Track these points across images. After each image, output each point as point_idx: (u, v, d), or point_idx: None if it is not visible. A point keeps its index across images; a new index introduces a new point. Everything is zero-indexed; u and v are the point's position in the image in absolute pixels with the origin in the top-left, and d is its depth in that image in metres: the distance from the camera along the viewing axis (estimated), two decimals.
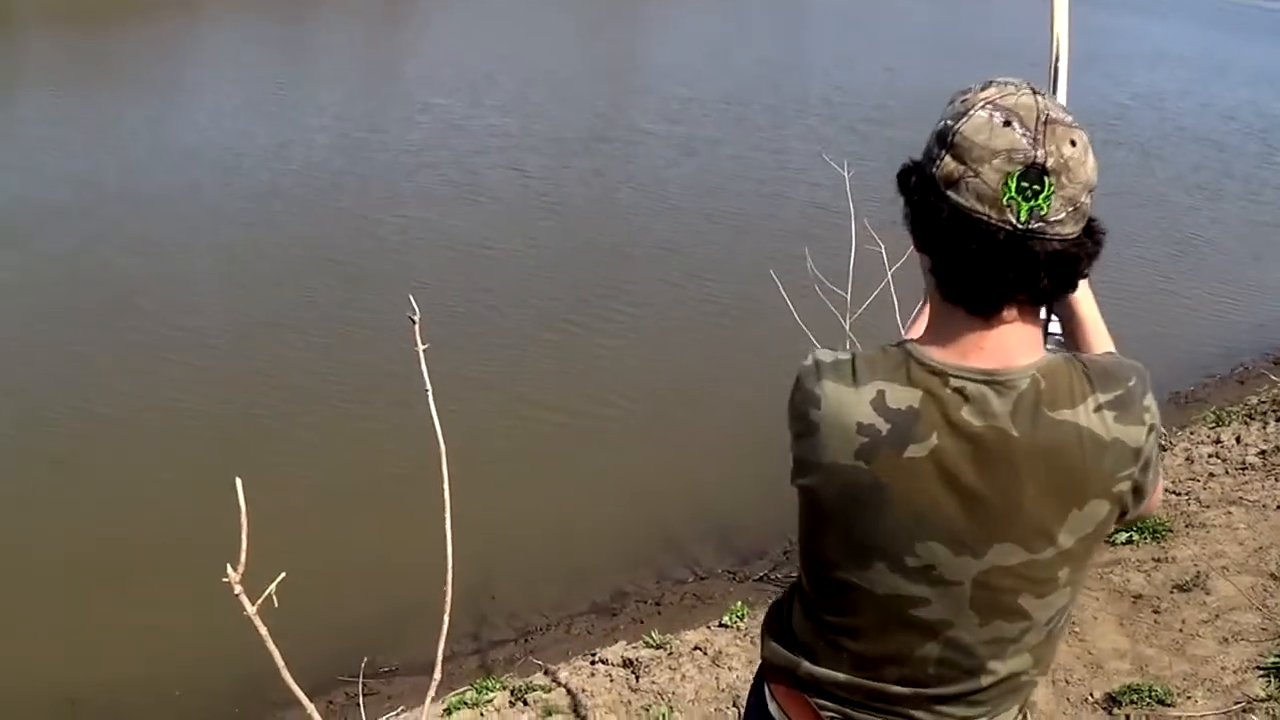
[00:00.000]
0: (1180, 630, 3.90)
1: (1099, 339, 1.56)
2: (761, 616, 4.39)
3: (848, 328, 4.60)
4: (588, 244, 9.02)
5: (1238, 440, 5.81)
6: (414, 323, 2.57)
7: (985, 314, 1.28)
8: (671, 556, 5.39)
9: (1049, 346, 1.47)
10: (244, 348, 6.98)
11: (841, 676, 1.40)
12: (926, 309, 1.40)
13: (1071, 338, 1.60)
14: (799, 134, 12.74)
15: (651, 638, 4.21)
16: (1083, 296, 1.58)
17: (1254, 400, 6.63)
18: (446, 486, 2.56)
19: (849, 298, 4.76)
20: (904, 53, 18.48)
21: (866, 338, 3.99)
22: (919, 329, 1.40)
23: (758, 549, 5.45)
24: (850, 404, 1.31)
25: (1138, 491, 1.33)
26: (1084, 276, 1.31)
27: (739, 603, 4.55)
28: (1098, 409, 1.27)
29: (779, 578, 5.08)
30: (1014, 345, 1.29)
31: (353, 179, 10.45)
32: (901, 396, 1.29)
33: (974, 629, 1.32)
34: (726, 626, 4.29)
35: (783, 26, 21.34)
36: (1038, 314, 1.33)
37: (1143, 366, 1.34)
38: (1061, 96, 1.65)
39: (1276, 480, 5.20)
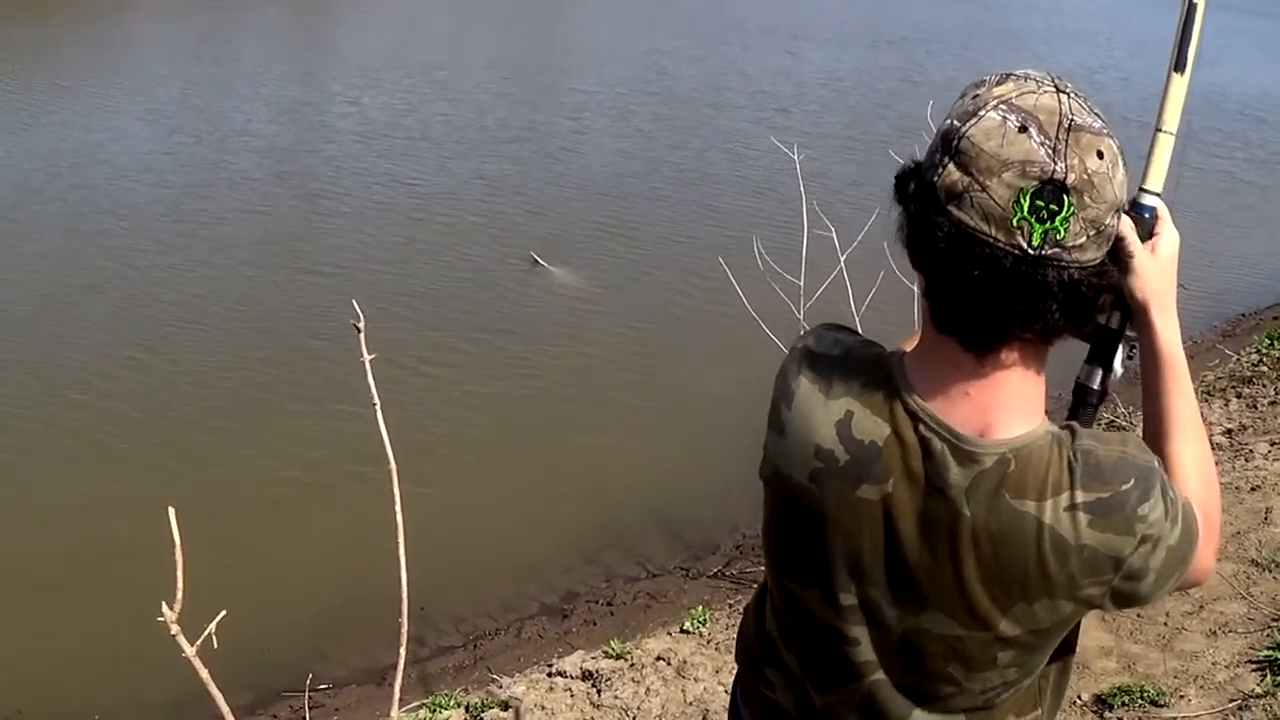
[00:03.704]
0: (1165, 624, 3.79)
1: (1178, 429, 1.27)
2: (721, 618, 4.46)
3: (801, 316, 4.61)
4: (523, 237, 8.98)
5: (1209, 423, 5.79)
6: (359, 330, 2.51)
7: (980, 350, 1.15)
8: (621, 553, 5.36)
9: (1117, 372, 1.33)
10: (173, 349, 6.87)
11: (782, 679, 1.39)
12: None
13: (1146, 420, 1.32)
14: (746, 117, 12.81)
15: (611, 647, 4.14)
16: (1174, 366, 1.28)
17: (1209, 376, 6.40)
18: (399, 505, 2.50)
19: (802, 285, 4.77)
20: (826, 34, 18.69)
21: (818, 321, 4.00)
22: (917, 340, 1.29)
23: (709, 543, 5.44)
24: (816, 419, 1.26)
25: (1123, 597, 1.19)
26: (1101, 310, 1.18)
27: (699, 606, 4.51)
28: (1070, 508, 1.12)
29: (733, 573, 5.08)
30: (1003, 404, 1.17)
31: (289, 169, 10.32)
32: (868, 427, 1.21)
33: (901, 676, 1.26)
34: (689, 633, 4.24)
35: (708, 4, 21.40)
36: (1043, 358, 1.19)
37: (1155, 466, 1.17)
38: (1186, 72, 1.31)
39: (1246, 460, 5.04)
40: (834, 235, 4.83)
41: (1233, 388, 6.20)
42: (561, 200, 9.96)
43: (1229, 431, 5.58)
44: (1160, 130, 1.33)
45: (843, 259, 4.81)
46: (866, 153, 11.08)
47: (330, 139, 11.34)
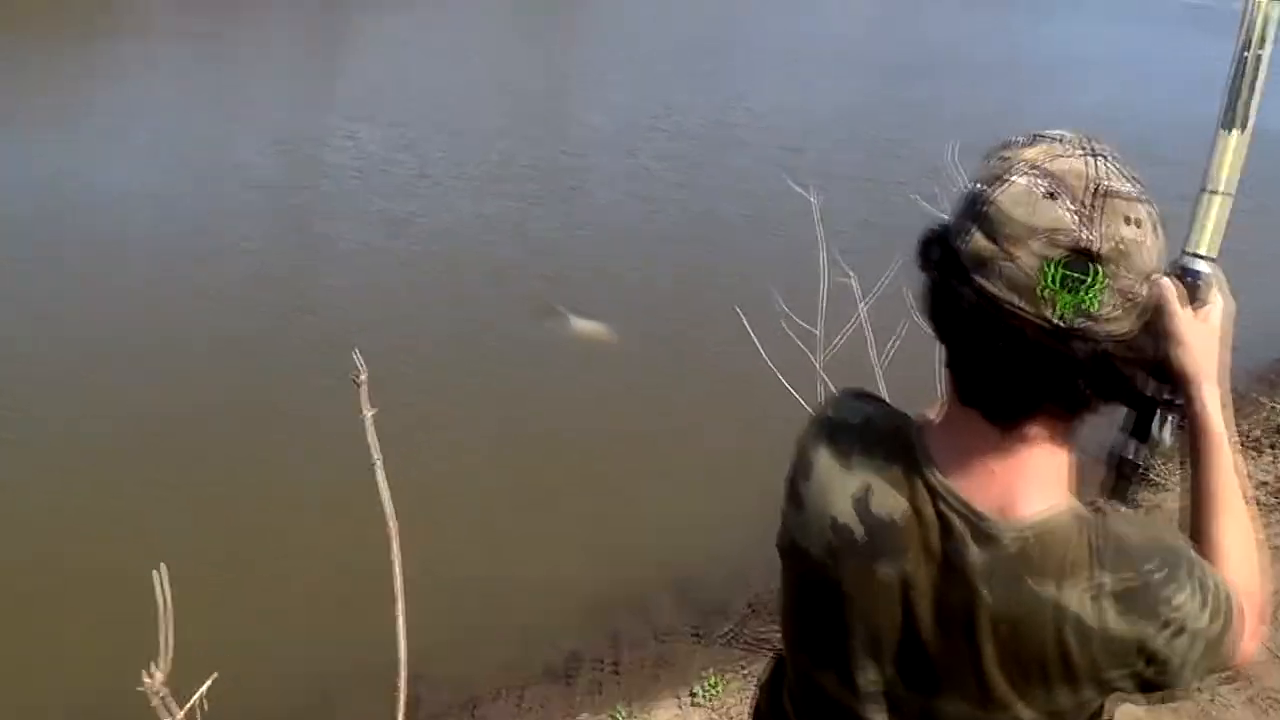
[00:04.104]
0: (1202, 692, 3.72)
1: (1218, 506, 1.25)
2: (733, 687, 4.43)
3: (820, 367, 4.63)
4: (525, 277, 9.02)
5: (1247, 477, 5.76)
6: (359, 385, 2.51)
7: (1004, 424, 1.16)
8: (627, 614, 5.35)
9: (1165, 442, 1.32)
10: (157, 396, 6.90)
11: None
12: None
13: (1193, 500, 1.29)
14: (757, 155, 12.91)
15: (618, 713, 4.13)
16: (1216, 441, 1.27)
17: (1245, 427, 6.33)
18: (398, 568, 2.51)
19: (820, 334, 4.80)
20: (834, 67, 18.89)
21: (842, 379, 4.02)
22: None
23: (721, 604, 5.43)
24: (834, 492, 1.27)
25: (1151, 685, 1.19)
26: (1139, 380, 1.16)
27: (710, 673, 4.52)
28: (1094, 594, 1.12)
29: (746, 636, 5.07)
30: (1027, 481, 1.17)
31: (285, 203, 10.42)
32: (887, 503, 1.22)
33: None
34: (699, 704, 4.25)
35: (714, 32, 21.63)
36: (1071, 432, 1.19)
37: (1184, 548, 1.17)
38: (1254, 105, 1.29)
39: None
40: (854, 282, 4.87)
41: (1267, 438, 6.19)
42: (566, 242, 10.01)
43: (1266, 485, 5.57)
44: (1209, 191, 1.33)
45: (863, 307, 4.84)
46: (884, 193, 11.12)
47: (326, 173, 11.46)
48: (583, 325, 8.09)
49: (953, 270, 1.14)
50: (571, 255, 9.65)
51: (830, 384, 4.41)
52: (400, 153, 12.15)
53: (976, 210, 1.14)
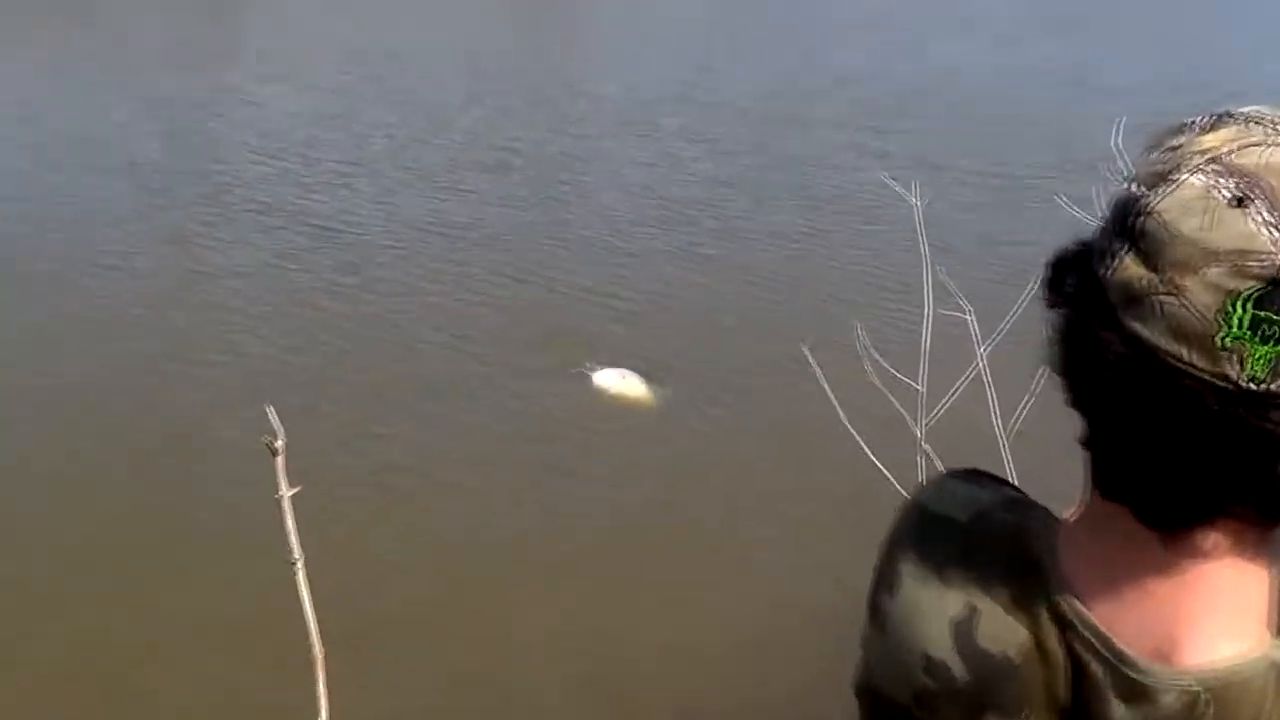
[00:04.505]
0: None
1: None
2: None
3: (921, 436, 4.64)
4: (499, 314, 9.05)
5: None
6: (274, 453, 2.52)
7: (1167, 531, 1.11)
8: None
9: None
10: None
11: None
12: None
13: None
14: (828, 138, 13.02)
15: None
16: None
17: None
18: (324, 703, 2.53)
19: (923, 390, 4.82)
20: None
21: (951, 452, 4.02)
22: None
23: None
24: (927, 616, 1.25)
25: None
26: None
27: None
28: None
29: None
30: (1200, 613, 1.12)
31: (162, 202, 10.60)
32: (1001, 635, 1.19)
33: None
34: None
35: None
36: (1265, 540, 1.13)
37: None
38: None
39: None
40: (970, 319, 4.89)
41: None
42: (557, 257, 10.07)
43: None
44: None
45: (983, 352, 4.86)
46: (1014, 193, 11.20)
47: (220, 157, 11.61)
48: (612, 382, 8.19)
49: (1094, 308, 1.08)
50: (568, 278, 9.68)
51: (935, 458, 4.42)
52: (325, 128, 12.28)
53: (1129, 224, 1.06)
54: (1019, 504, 1.27)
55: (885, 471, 4.62)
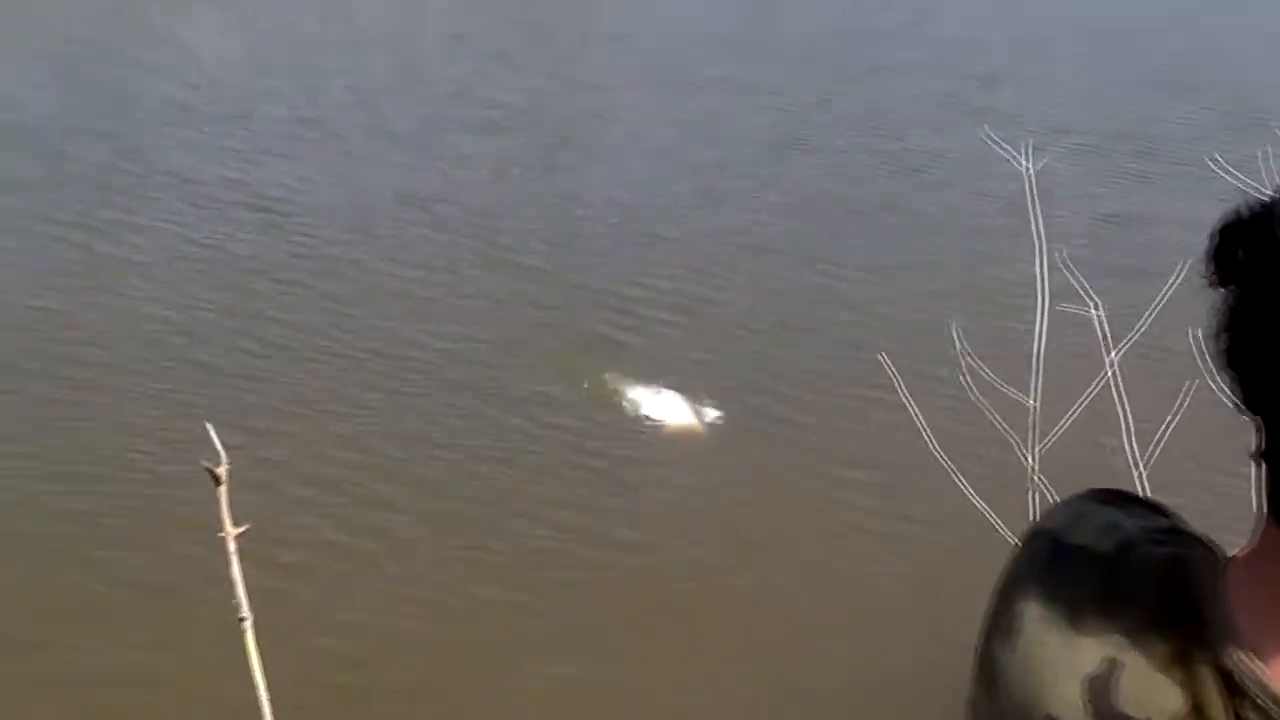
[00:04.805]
0: None
1: None
2: None
3: (1034, 465, 4.65)
4: (517, 321, 9.05)
5: None
6: (218, 481, 2.59)
7: None
8: None
9: None
10: None
11: None
12: None
13: None
14: (917, 87, 13.06)
15: None
16: None
17: None
18: None
19: (1034, 404, 4.81)
20: None
21: (1067, 482, 4.03)
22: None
23: None
24: (1053, 671, 1.25)
25: None
26: None
27: None
28: None
29: None
30: None
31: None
32: (1149, 697, 1.19)
33: None
34: None
35: None
36: None
37: None
38: None
39: None
40: (1098, 316, 4.92)
41: None
42: (568, 242, 10.16)
43: None
44: None
45: (1113, 358, 4.88)
46: (1151, 158, 11.26)
47: (132, 114, 11.66)
48: (647, 405, 8.20)
49: (1277, 281, 1.09)
50: (585, 270, 9.77)
51: (1049, 491, 4.46)
52: (269, 74, 12.38)
53: None
54: (1175, 534, 1.26)
55: (988, 512, 4.66)
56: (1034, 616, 1.25)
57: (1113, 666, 1.19)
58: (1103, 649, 1.20)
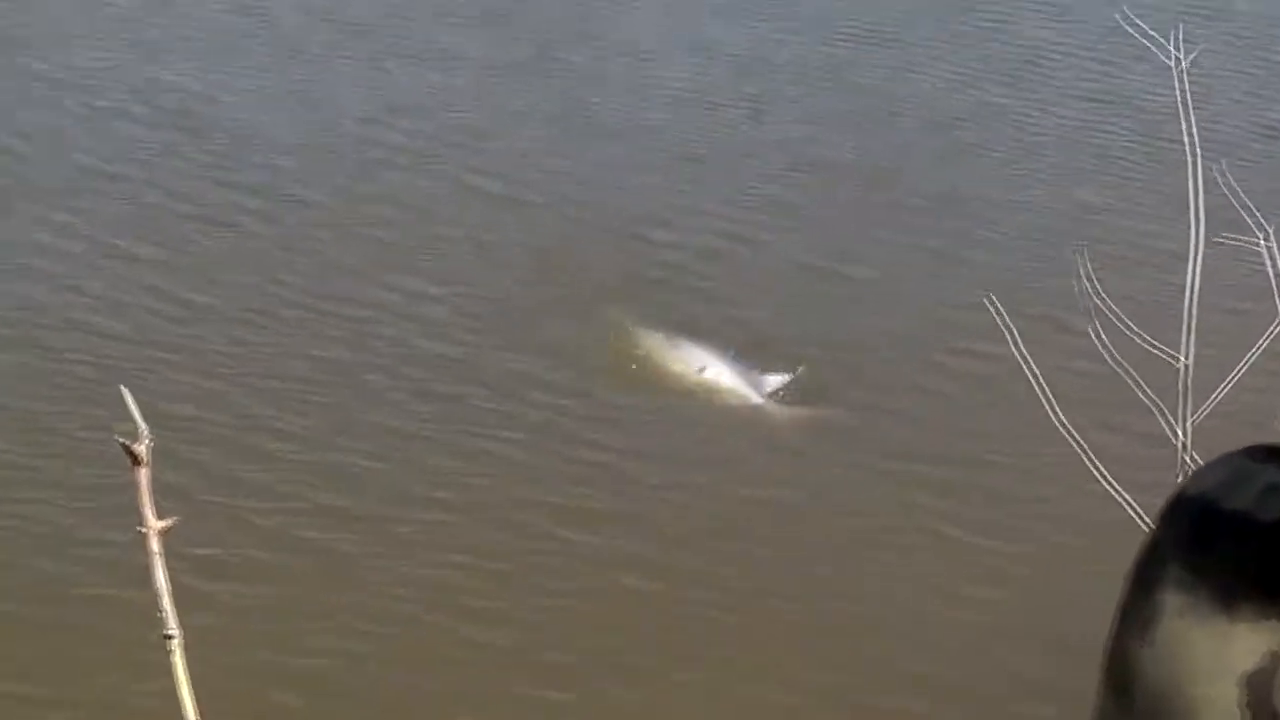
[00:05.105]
0: None
1: None
2: None
3: (1184, 441, 4.68)
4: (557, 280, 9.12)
5: None
6: (139, 461, 2.62)
7: None
8: None
9: None
10: None
11: None
12: None
13: None
14: None
15: None
16: None
17: None
18: None
19: (1186, 363, 4.83)
20: None
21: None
22: None
23: None
24: (1202, 668, 1.25)
25: None
26: None
27: None
28: None
29: None
30: None
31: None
32: None
33: None
34: None
35: None
36: None
37: None
38: None
39: None
40: (1268, 247, 4.96)
41: None
42: (582, 163, 10.26)
43: None
44: None
45: None
46: None
47: (29, 21, 11.75)
48: (690, 376, 8.18)
49: None
50: (610, 197, 9.86)
51: (1195, 463, 4.50)
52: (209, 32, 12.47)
53: None
54: None
55: (1127, 501, 4.72)
56: (1178, 606, 1.25)
57: (1277, 661, 1.19)
58: (1264, 641, 1.19)
